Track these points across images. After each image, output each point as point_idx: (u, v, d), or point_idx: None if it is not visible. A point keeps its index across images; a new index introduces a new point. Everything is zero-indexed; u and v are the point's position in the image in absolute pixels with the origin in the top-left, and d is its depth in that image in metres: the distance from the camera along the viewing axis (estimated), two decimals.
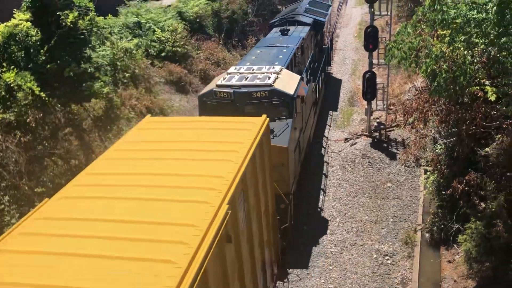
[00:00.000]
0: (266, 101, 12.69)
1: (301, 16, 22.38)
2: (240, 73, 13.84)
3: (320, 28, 23.83)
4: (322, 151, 19.02)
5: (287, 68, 15.31)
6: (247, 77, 13.46)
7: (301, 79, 15.14)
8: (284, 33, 19.41)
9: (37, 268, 5.32)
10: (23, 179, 11.48)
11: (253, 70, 14.15)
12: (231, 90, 12.89)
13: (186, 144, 8.13)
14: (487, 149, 10.73)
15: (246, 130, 8.40)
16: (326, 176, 17.22)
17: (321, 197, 16.12)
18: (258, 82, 13.08)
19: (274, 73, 13.64)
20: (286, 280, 12.43)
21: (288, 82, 13.76)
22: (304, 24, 21.24)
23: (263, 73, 13.71)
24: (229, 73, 14.04)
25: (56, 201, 6.56)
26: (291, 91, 13.25)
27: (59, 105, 12.80)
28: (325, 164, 18.01)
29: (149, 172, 7.21)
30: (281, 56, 16.22)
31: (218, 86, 13.24)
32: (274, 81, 13.15)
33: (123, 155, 7.96)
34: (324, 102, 22.73)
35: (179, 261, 5.08)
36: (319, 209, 15.50)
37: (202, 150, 7.80)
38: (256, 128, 8.43)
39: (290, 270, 12.85)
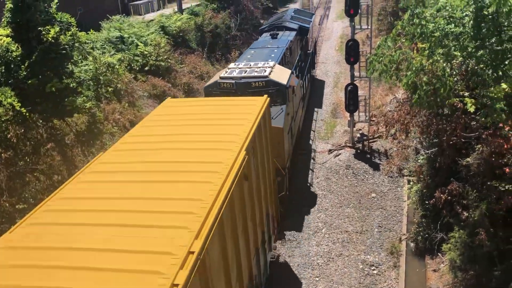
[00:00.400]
0: (263, 90, 14.12)
1: (288, 22, 24.90)
2: (240, 68, 15.80)
3: (305, 33, 26.19)
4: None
5: (279, 64, 17.17)
6: (246, 71, 15.44)
7: (292, 73, 17.09)
8: (274, 36, 21.67)
9: (65, 236, 6.25)
10: (3, 196, 11.28)
11: (250, 65, 16.10)
12: (233, 81, 14.86)
13: (208, 115, 10.55)
14: (468, 159, 10.91)
15: (253, 105, 10.87)
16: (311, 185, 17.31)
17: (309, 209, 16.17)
18: (256, 74, 15.09)
19: (269, 67, 15.63)
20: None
21: (281, 74, 15.85)
22: (291, 29, 23.51)
23: (260, 67, 15.69)
24: (230, 68, 16.04)
25: (77, 184, 7.80)
26: (284, 81, 15.32)
27: (41, 121, 12.65)
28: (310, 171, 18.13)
29: (181, 132, 9.62)
30: (273, 55, 18.43)
31: (222, 78, 15.23)
32: (270, 73, 15.12)
33: (157, 124, 10.28)
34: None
35: (215, 181, 7.37)
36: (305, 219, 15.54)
37: (221, 119, 10.27)
38: (260, 104, 10.91)
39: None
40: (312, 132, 21.85)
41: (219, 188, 7.09)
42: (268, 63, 16.14)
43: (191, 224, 6.19)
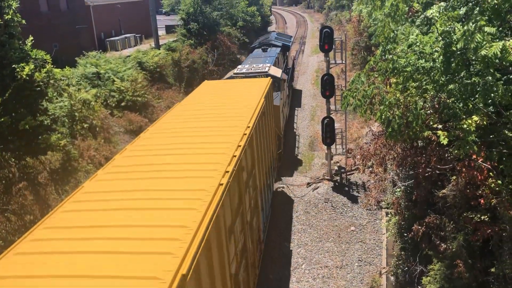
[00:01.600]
0: None
1: (273, 41, 32.79)
2: (246, 67, 22.89)
3: (287, 49, 34.25)
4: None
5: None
6: (252, 68, 22.54)
7: (282, 71, 24.75)
8: (264, 50, 28.81)
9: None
10: None
11: (253, 66, 23.06)
12: (244, 74, 21.74)
13: (233, 88, 17.26)
14: (444, 190, 11.02)
15: (262, 81, 17.73)
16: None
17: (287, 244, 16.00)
18: (259, 70, 22.01)
19: (267, 66, 22.58)
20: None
21: (276, 71, 22.93)
22: (276, 46, 30.79)
23: (260, 66, 22.75)
24: (239, 68, 22.98)
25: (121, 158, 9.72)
26: (278, 75, 22.46)
27: (13, 159, 12.35)
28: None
29: (207, 105, 14.24)
30: (267, 61, 24.84)
31: (235, 73, 22.18)
32: (268, 70, 21.95)
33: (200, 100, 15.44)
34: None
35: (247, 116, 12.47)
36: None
37: (241, 90, 16.55)
38: (266, 82, 17.40)
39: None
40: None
41: (247, 124, 11.49)
42: (265, 65, 23.03)
43: (229, 151, 9.51)
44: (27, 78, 11.65)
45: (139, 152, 10.07)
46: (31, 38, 12.46)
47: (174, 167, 8.81)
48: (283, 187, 19.70)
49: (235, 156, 9.28)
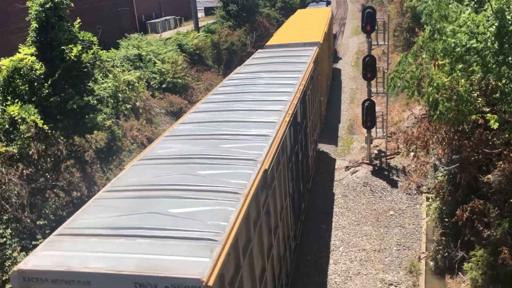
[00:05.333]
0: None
1: None
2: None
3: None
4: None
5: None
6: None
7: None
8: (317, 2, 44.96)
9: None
10: (25, 212, 11.42)
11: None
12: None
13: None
14: (489, 176, 10.75)
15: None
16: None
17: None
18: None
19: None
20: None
21: None
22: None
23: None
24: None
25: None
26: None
27: (62, 138, 12.85)
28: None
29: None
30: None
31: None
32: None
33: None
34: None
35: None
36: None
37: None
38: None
39: None
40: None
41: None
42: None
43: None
44: (75, 59, 12.03)
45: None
46: (78, 20, 12.81)
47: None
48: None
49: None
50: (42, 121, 11.45)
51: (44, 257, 6.05)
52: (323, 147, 21.17)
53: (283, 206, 10.56)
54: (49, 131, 11.86)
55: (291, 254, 11.92)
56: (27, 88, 12.01)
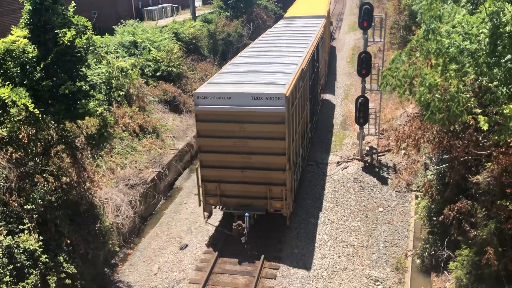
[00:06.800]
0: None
1: None
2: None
3: None
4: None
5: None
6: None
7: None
8: None
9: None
10: (13, 196, 11.32)
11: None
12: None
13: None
14: (478, 176, 10.82)
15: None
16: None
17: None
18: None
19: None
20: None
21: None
22: None
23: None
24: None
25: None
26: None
27: (53, 122, 12.71)
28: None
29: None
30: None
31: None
32: None
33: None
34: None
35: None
36: None
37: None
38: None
39: None
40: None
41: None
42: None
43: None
44: (69, 43, 11.82)
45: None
46: (73, 4, 12.60)
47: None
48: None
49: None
50: (33, 105, 11.29)
51: (205, 88, 14.63)
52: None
53: (306, 103, 18.35)
54: (40, 115, 11.71)
55: (308, 134, 20.09)
56: (18, 71, 11.82)
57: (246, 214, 14.15)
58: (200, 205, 15.10)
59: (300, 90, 15.91)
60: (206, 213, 15.32)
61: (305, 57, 17.65)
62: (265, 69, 16.05)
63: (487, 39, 7.04)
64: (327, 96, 28.86)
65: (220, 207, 15.14)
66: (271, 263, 13.99)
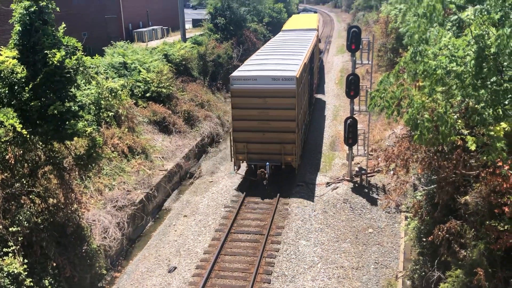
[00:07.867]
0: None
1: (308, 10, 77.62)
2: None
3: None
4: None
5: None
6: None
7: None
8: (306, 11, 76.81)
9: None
10: None
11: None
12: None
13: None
14: (467, 197, 10.86)
15: (314, 16, 47.40)
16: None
17: None
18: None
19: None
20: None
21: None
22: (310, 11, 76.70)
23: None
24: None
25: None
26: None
27: (41, 143, 12.60)
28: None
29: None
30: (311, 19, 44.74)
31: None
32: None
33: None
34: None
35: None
36: None
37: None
38: (316, 16, 50.01)
39: None
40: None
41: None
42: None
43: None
44: (58, 64, 11.79)
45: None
46: (63, 25, 12.64)
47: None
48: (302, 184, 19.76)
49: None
50: (20, 126, 11.20)
51: (237, 73, 19.79)
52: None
53: (306, 89, 23.59)
54: (28, 136, 11.62)
55: (308, 115, 25.94)
56: (6, 91, 11.74)
57: (267, 163, 18.94)
58: (231, 160, 20.13)
59: (303, 77, 21.14)
60: (235, 167, 20.07)
61: (306, 55, 23.05)
62: (279, 61, 21.25)
63: (472, 61, 7.17)
64: (317, 117, 29.03)
65: (247, 161, 20.00)
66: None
